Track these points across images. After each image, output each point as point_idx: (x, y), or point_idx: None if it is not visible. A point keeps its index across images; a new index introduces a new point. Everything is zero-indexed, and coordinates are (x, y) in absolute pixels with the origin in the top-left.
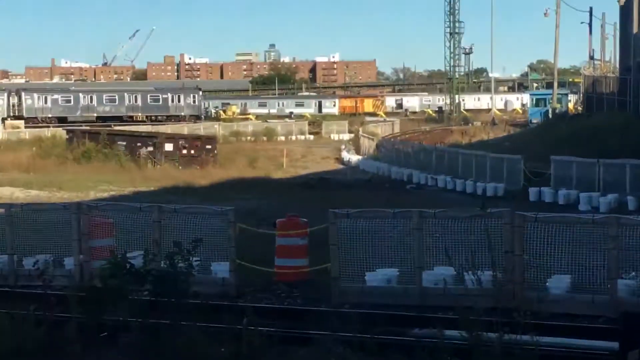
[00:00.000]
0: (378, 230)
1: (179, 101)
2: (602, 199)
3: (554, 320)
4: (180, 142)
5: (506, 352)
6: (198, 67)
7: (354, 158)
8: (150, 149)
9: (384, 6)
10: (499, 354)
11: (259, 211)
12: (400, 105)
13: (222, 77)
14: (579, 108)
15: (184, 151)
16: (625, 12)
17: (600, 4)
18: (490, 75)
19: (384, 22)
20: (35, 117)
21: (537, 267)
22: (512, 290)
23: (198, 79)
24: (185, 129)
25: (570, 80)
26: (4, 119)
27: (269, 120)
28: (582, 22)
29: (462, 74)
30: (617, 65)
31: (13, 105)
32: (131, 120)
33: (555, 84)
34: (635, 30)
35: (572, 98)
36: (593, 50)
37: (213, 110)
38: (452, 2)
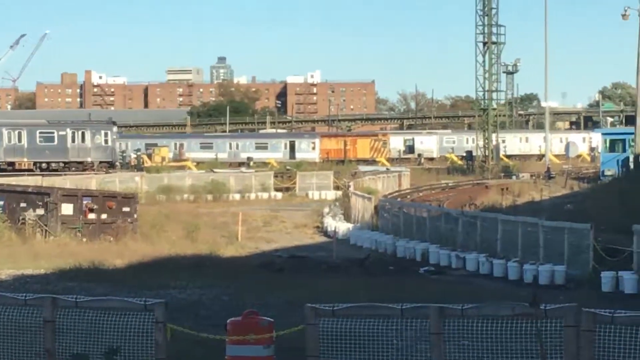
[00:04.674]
0: (378, 334)
1: (82, 141)
2: None
3: None
4: (84, 202)
5: None
6: (112, 90)
7: (343, 227)
8: (40, 211)
9: (386, 5)
10: None
11: (201, 306)
12: (411, 149)
13: (146, 105)
14: None
15: (91, 215)
16: None
17: None
18: (543, 104)
19: (387, 29)
20: None
21: None
22: None
23: (112, 108)
24: (92, 182)
25: None
26: None
27: (216, 170)
28: None
29: (502, 102)
30: None
31: None
32: (12, 169)
33: (639, 119)
34: None
35: None
36: None
37: (133, 155)
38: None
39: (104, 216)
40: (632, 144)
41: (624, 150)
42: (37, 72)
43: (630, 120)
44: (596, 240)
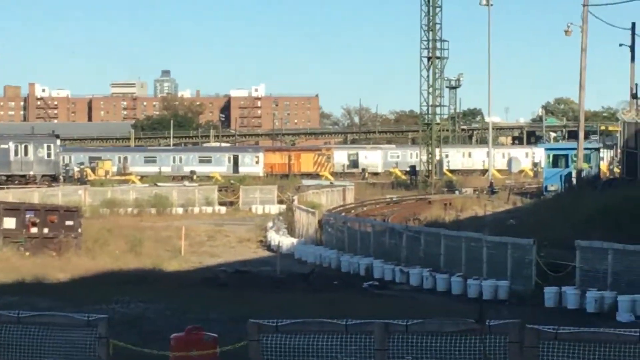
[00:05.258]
0: (322, 350)
1: (25, 154)
2: None
3: None
4: (27, 216)
5: None
6: (55, 103)
7: (287, 241)
8: None
9: (330, 18)
10: None
11: (144, 321)
12: (355, 163)
13: (90, 118)
14: (616, 170)
15: (33, 229)
16: None
17: None
18: (487, 119)
19: (332, 43)
20: None
21: None
22: None
23: (55, 121)
24: (35, 195)
25: (603, 128)
26: None
27: (159, 184)
28: (620, 45)
29: (445, 117)
30: None
31: None
32: None
33: (582, 134)
34: None
35: (607, 155)
36: (637, 85)
37: (77, 169)
38: (430, 12)
39: (46, 230)
40: (575, 159)
41: (567, 166)
42: None
43: (573, 136)
44: (539, 256)
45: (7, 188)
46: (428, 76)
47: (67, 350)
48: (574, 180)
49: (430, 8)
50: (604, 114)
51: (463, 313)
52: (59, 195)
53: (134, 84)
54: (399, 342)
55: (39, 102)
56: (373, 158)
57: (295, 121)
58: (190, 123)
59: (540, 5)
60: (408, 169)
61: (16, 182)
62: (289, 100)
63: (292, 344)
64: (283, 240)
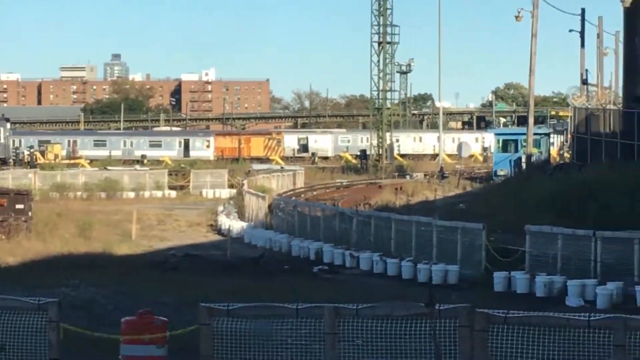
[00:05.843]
0: (273, 334)
1: None
2: (600, 289)
3: None
4: None
5: None
6: (5, 86)
7: (237, 225)
8: None
9: (281, 2)
10: None
11: (94, 305)
12: (305, 147)
13: (40, 102)
14: (567, 155)
15: None
16: (632, 18)
17: (596, 5)
18: (437, 104)
19: (282, 28)
20: None
21: None
22: None
23: (4, 105)
24: None
25: (554, 113)
26: None
27: (110, 168)
28: (570, 30)
29: (396, 102)
30: (621, 94)
31: None
32: None
33: (531, 119)
34: None
35: (557, 140)
36: (587, 71)
37: (26, 152)
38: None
39: None
40: (524, 144)
41: (517, 151)
42: None
43: (522, 121)
44: (489, 240)
45: None
46: (379, 61)
47: (17, 334)
48: (524, 165)
49: None
50: (555, 100)
51: (413, 297)
52: (9, 178)
53: (84, 67)
54: (349, 326)
55: None
56: (323, 142)
57: (246, 105)
58: (141, 107)
59: None
60: (358, 154)
61: None
62: (239, 84)
63: (243, 328)
64: (233, 225)
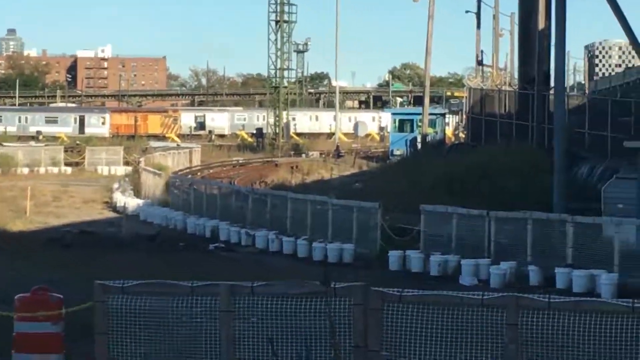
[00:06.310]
0: (168, 312)
1: None
2: (493, 268)
3: None
4: None
5: None
6: None
7: (133, 203)
8: None
9: None
10: None
11: None
12: (202, 125)
13: None
14: (462, 135)
15: None
16: (527, 2)
17: None
18: (334, 84)
19: (179, 4)
20: None
21: None
22: None
23: None
24: None
25: (449, 94)
26: None
27: (4, 144)
28: (467, 11)
29: (292, 80)
30: (516, 75)
31: None
32: None
33: (427, 100)
34: (541, 25)
35: (452, 120)
36: (482, 52)
37: None
38: None
39: None
40: (420, 124)
41: (412, 131)
42: None
43: (418, 101)
44: (384, 220)
45: None
46: (276, 40)
47: None
48: (419, 145)
49: None
50: (450, 80)
51: (308, 275)
52: None
53: None
54: (244, 303)
55: None
56: (220, 120)
57: (143, 82)
58: (37, 83)
59: None
60: (254, 132)
61: None
62: (135, 61)
63: (138, 305)
64: (129, 202)
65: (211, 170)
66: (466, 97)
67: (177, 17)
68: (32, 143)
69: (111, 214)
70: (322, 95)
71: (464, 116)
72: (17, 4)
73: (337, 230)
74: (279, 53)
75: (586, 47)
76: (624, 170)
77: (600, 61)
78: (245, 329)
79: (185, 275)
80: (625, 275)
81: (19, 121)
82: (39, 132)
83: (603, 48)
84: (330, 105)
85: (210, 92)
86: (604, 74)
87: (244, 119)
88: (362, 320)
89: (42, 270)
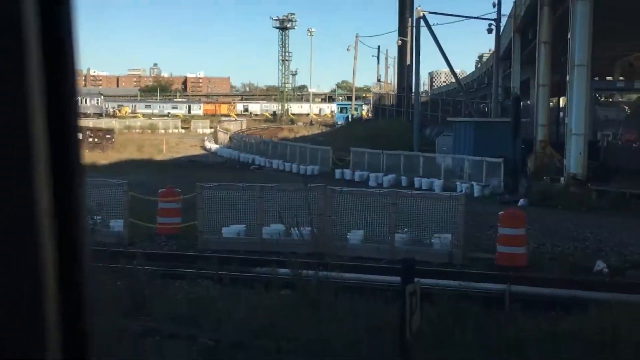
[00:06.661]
0: (231, 198)
1: (86, 102)
2: (384, 177)
3: (353, 261)
4: (87, 133)
5: (320, 284)
6: (100, 78)
7: (214, 146)
8: None
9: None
10: (315, 285)
11: (146, 184)
12: (246, 110)
13: (117, 85)
14: (370, 115)
15: (90, 139)
16: (401, 50)
17: (385, 43)
18: (309, 90)
19: (236, 49)
20: None
21: (341, 224)
22: (324, 240)
23: (100, 87)
24: (90, 123)
25: (364, 95)
26: None
27: (152, 118)
28: (373, 55)
29: (290, 88)
30: (396, 86)
31: None
32: None
33: (353, 98)
34: (407, 62)
35: (365, 108)
36: (380, 74)
37: (111, 110)
38: (283, 39)
39: (96, 140)
40: (350, 109)
41: (346, 113)
42: None
43: (349, 98)
44: (333, 154)
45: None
46: (282, 69)
47: (108, 198)
48: (350, 120)
49: None
50: (365, 88)
51: (298, 181)
52: (102, 123)
53: (140, 69)
54: (268, 194)
55: (92, 78)
56: (255, 107)
57: (218, 89)
58: (167, 89)
59: None
60: (272, 113)
61: (81, 117)
62: (215, 79)
63: (217, 195)
64: (212, 146)
65: (251, 131)
66: (372, 97)
67: (236, 52)
68: (165, 118)
69: (204, 152)
70: (303, 96)
71: (371, 106)
72: (158, 48)
73: (312, 159)
74: (283, 75)
75: (429, 73)
76: (446, 131)
77: (436, 80)
78: (268, 206)
79: (238, 180)
80: (446, 181)
81: (159, 108)
82: (168, 113)
83: (437, 73)
84: (307, 100)
85: (250, 94)
86: (437, 86)
87: (267, 107)
88: (323, 202)
89: (171, 178)
